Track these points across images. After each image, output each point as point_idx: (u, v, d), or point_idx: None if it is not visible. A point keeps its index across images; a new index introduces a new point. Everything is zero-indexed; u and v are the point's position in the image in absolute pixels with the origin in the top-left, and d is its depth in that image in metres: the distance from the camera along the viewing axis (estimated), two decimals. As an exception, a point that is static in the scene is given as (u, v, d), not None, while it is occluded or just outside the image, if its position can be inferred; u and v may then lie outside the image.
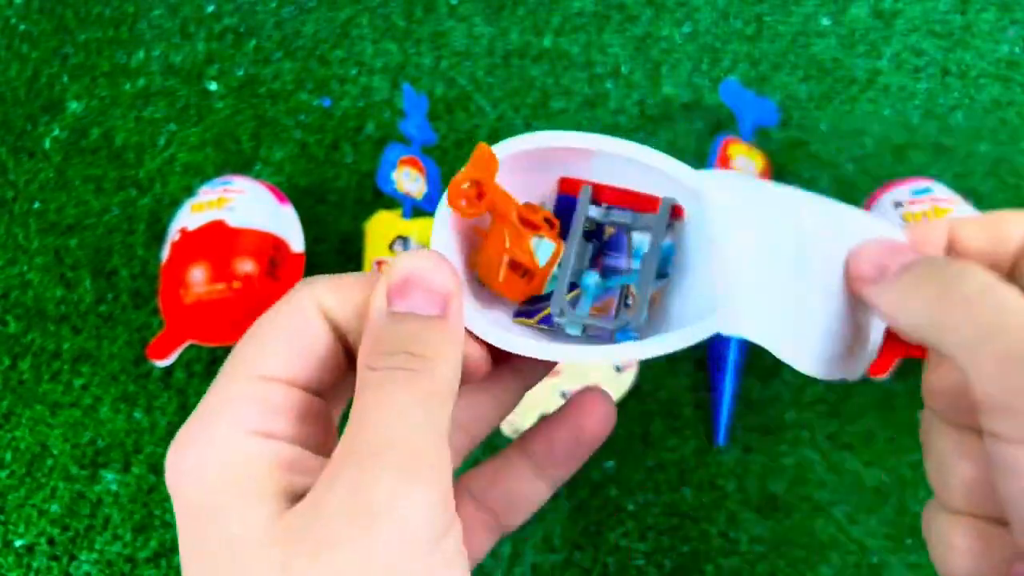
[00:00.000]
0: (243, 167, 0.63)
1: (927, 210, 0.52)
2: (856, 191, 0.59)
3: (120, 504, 0.53)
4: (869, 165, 0.60)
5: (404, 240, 0.55)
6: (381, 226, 0.56)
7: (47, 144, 0.65)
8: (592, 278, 0.29)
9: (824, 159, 0.61)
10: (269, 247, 0.54)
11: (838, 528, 0.50)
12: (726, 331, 0.23)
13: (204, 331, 0.53)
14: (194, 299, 0.52)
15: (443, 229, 0.27)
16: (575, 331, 0.28)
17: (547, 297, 0.29)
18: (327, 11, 0.69)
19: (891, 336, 0.51)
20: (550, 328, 0.28)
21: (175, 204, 0.62)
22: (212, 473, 0.20)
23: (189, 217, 0.54)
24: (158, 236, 0.61)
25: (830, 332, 0.24)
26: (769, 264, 0.24)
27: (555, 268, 0.29)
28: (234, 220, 0.53)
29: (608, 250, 0.30)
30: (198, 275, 0.52)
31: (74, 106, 0.67)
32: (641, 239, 0.29)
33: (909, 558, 0.49)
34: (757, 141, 0.61)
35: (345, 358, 0.23)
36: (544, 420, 0.27)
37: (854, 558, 0.50)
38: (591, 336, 0.28)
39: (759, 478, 0.52)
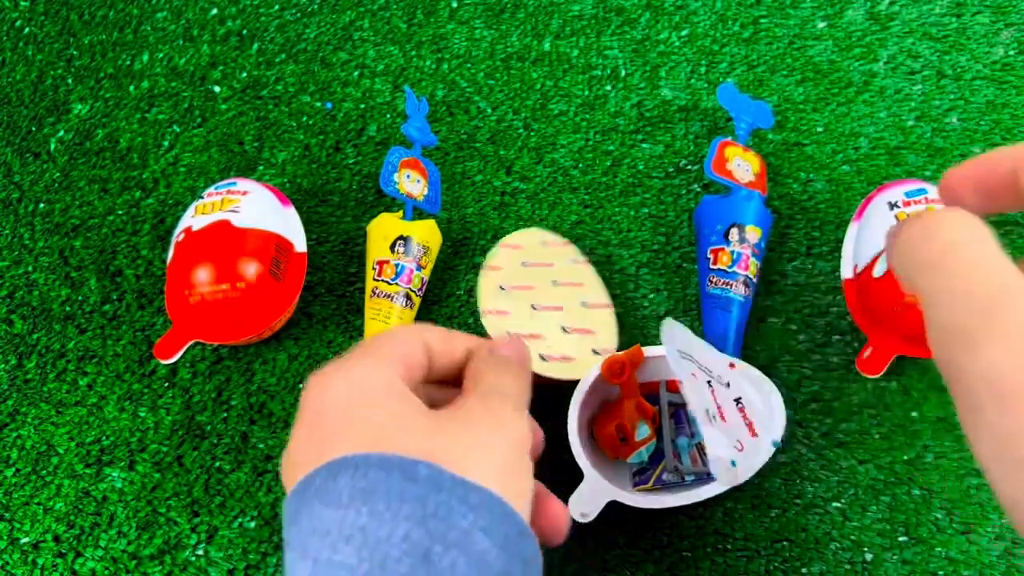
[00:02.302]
0: (246, 169, 0.64)
1: (921, 211, 0.53)
2: (851, 192, 0.60)
3: (125, 501, 0.54)
4: (864, 167, 0.61)
5: (405, 240, 0.56)
6: (383, 227, 0.57)
7: (52, 146, 0.66)
8: (683, 440, 0.51)
9: (820, 161, 0.61)
10: (272, 248, 0.54)
11: (832, 525, 0.51)
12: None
13: (209, 330, 0.54)
14: (199, 299, 0.53)
15: (584, 384, 0.50)
16: (690, 479, 0.49)
17: (645, 471, 0.50)
18: (329, 14, 0.70)
19: (883, 337, 0.51)
20: (662, 487, 0.49)
21: (179, 205, 0.62)
22: (363, 386, 0.30)
23: (194, 218, 0.55)
24: (162, 237, 0.62)
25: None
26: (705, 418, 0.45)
27: (647, 445, 0.50)
28: (238, 221, 0.54)
29: (677, 423, 0.52)
30: (203, 275, 0.52)
31: (79, 108, 0.67)
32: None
33: (903, 555, 0.50)
34: (753, 143, 0.62)
35: (427, 372, 0.35)
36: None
37: (848, 555, 0.50)
38: (690, 481, 0.50)
39: (755, 475, 0.52)
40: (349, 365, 0.31)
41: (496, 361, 0.34)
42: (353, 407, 0.30)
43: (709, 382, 0.46)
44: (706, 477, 0.49)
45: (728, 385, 0.47)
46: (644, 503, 0.47)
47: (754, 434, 0.46)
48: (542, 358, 0.50)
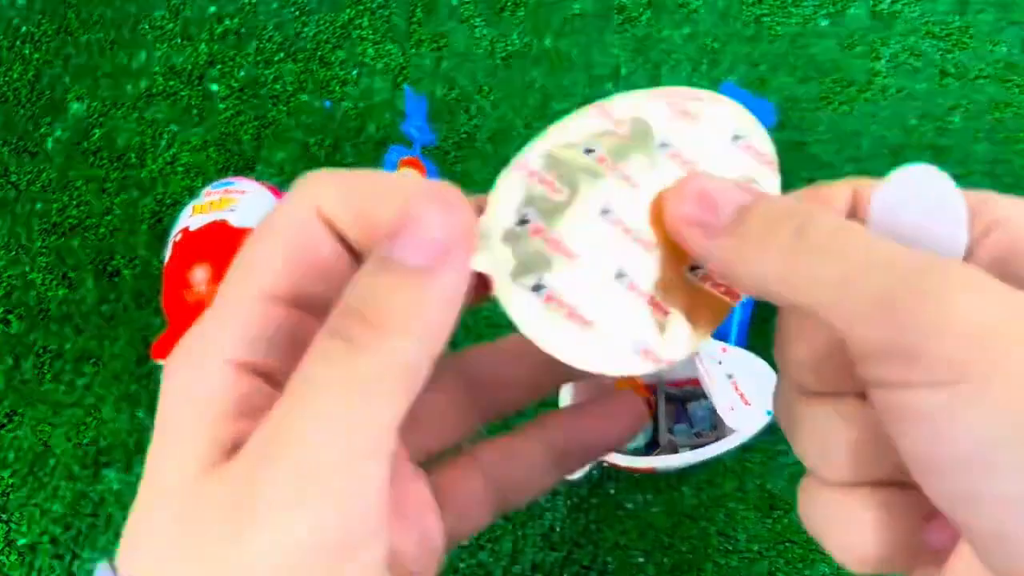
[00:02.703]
0: (245, 168, 0.63)
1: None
2: (854, 192, 0.60)
3: (122, 503, 0.54)
4: (867, 166, 0.60)
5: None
6: (382, 226, 0.57)
7: (49, 145, 0.66)
8: (682, 428, 0.55)
9: (822, 160, 0.61)
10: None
11: (836, 527, 0.51)
12: None
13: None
14: (197, 299, 0.52)
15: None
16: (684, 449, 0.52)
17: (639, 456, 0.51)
18: (328, 13, 0.70)
19: None
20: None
21: (177, 205, 0.62)
22: (178, 398, 0.18)
23: (191, 218, 0.55)
24: (160, 236, 0.61)
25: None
26: None
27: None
28: (236, 221, 0.54)
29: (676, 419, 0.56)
30: (200, 275, 0.52)
31: (76, 107, 0.67)
32: (693, 405, 0.54)
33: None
34: (756, 142, 0.62)
35: (352, 263, 0.20)
36: (571, 410, 0.26)
37: (852, 556, 0.50)
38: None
39: (758, 476, 0.52)
40: (185, 349, 0.19)
41: (350, 302, 0.17)
42: (157, 440, 0.19)
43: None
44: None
45: (720, 363, 0.50)
46: (636, 463, 0.48)
47: (747, 403, 0.49)
48: (542, 295, 0.22)
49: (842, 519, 0.20)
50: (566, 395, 0.49)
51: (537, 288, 0.19)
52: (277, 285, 0.19)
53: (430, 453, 0.24)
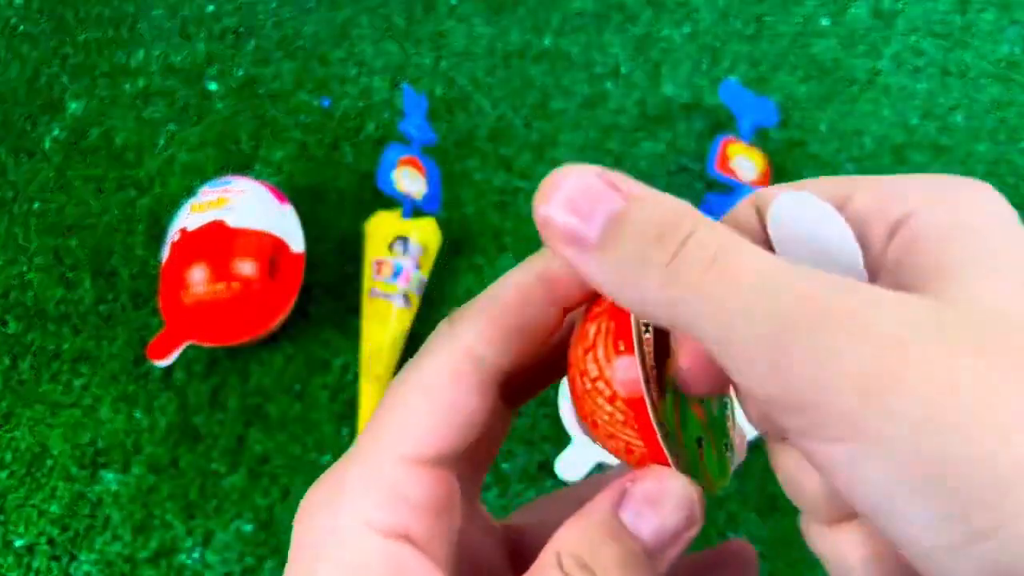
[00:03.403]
0: (243, 167, 0.63)
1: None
2: (856, 191, 0.59)
3: (120, 504, 0.53)
4: (868, 165, 0.60)
5: (404, 240, 0.55)
6: (381, 226, 0.56)
7: (47, 144, 0.65)
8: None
9: (824, 159, 0.61)
10: (269, 247, 0.54)
11: (838, 528, 0.50)
12: None
13: (204, 331, 0.53)
14: (194, 299, 0.52)
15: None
16: None
17: None
18: (327, 11, 0.69)
19: None
20: None
21: (175, 204, 0.62)
22: (324, 560, 0.18)
23: (189, 217, 0.54)
24: (158, 236, 0.61)
25: None
26: None
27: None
28: (234, 220, 0.53)
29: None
30: (198, 275, 0.52)
31: (74, 106, 0.67)
32: None
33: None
34: (757, 141, 0.61)
35: (497, 402, 0.20)
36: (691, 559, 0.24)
37: (854, 558, 0.50)
38: None
39: (759, 478, 0.52)
40: (323, 504, 0.19)
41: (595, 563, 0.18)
42: None
43: None
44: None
45: None
46: None
47: None
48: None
49: (834, 553, 0.19)
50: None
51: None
52: (424, 445, 0.19)
53: None
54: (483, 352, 0.19)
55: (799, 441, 0.15)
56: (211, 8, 0.70)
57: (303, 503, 0.19)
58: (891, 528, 0.15)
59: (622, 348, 0.18)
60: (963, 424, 0.14)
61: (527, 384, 0.22)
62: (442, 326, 0.19)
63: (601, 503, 0.18)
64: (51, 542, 0.53)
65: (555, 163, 0.61)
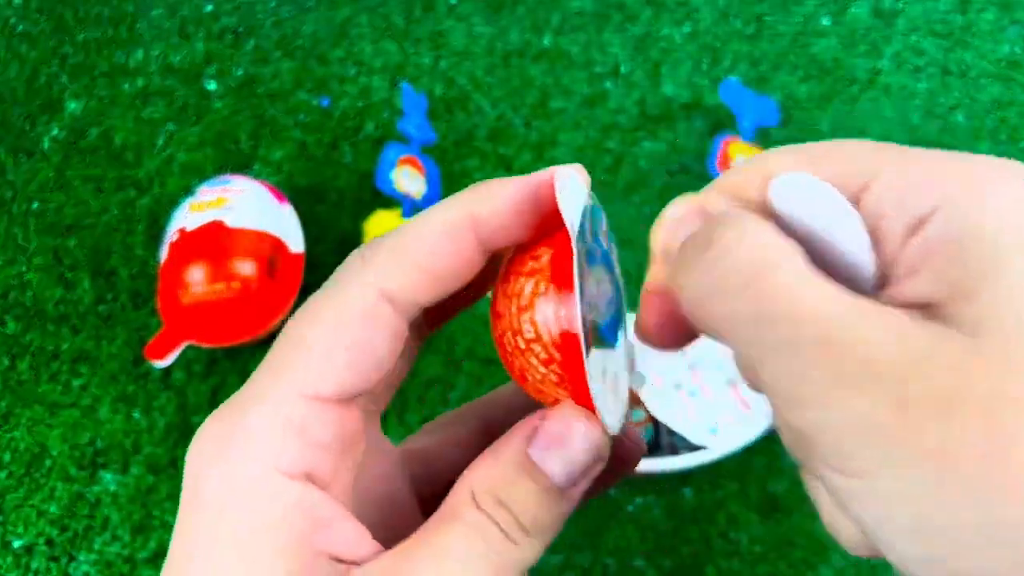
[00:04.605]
0: (242, 167, 0.63)
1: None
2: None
3: (119, 504, 0.53)
4: (869, 165, 0.60)
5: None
6: (380, 226, 0.56)
7: (46, 144, 0.65)
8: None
9: (824, 159, 0.61)
10: (268, 247, 0.53)
11: (838, 529, 0.50)
12: None
13: (203, 332, 0.53)
14: (192, 300, 0.52)
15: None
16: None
17: None
18: (326, 11, 0.69)
19: None
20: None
21: (174, 204, 0.62)
22: (232, 510, 0.17)
23: (188, 217, 0.54)
24: (157, 236, 0.61)
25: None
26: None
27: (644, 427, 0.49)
28: (233, 220, 0.53)
29: None
30: (197, 275, 0.52)
31: (73, 106, 0.67)
32: None
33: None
34: (757, 141, 0.61)
35: (406, 338, 0.19)
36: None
37: (854, 559, 0.50)
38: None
39: (760, 479, 0.52)
40: (222, 447, 0.18)
41: (506, 496, 0.18)
42: (211, 545, 0.17)
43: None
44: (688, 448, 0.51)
45: (720, 369, 0.50)
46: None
47: (747, 408, 0.49)
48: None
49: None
50: None
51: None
52: (331, 384, 0.18)
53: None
54: (397, 292, 0.18)
55: (812, 466, 0.16)
56: (210, 8, 0.70)
57: (195, 447, 0.18)
58: (891, 557, 0.15)
59: (563, 317, 0.18)
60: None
61: (439, 314, 0.22)
62: (354, 260, 0.19)
63: (513, 442, 0.18)
64: (50, 543, 0.53)
65: (555, 163, 0.61)
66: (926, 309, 0.15)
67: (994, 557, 0.13)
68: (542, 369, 0.19)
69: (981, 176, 0.16)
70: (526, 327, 0.18)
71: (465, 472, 0.18)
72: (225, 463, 0.18)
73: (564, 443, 0.18)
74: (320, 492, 0.18)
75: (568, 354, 0.18)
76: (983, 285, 0.15)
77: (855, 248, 0.16)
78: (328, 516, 0.18)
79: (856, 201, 0.17)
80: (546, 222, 0.20)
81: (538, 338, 0.18)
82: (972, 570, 0.14)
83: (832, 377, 0.15)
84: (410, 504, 0.22)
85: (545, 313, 0.18)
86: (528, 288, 0.18)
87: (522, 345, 0.19)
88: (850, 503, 0.15)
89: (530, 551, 0.18)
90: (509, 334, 0.19)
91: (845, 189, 0.17)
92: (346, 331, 0.18)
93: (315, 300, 0.19)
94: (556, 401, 0.19)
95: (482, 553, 0.17)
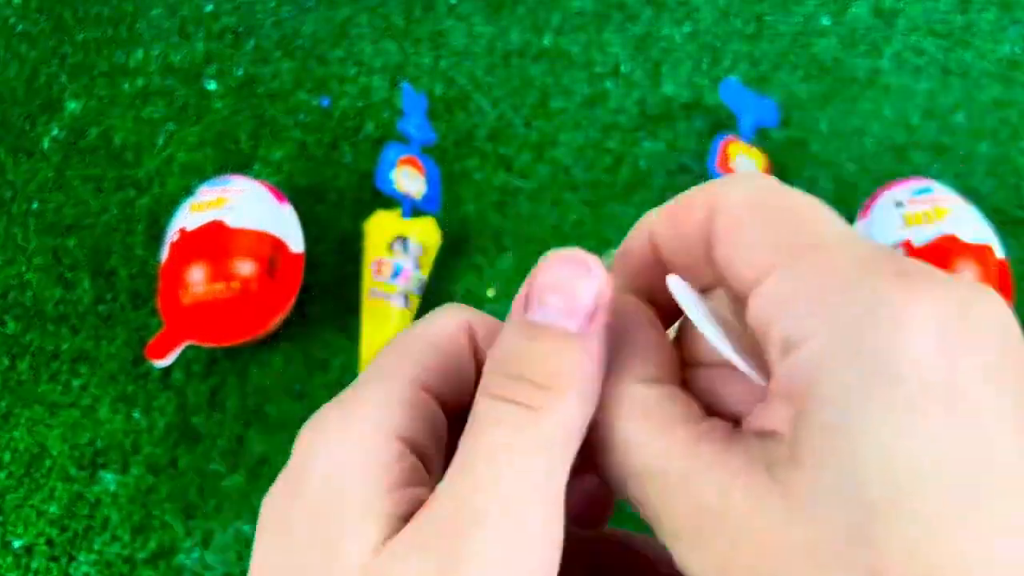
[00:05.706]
0: (242, 167, 0.63)
1: (928, 210, 0.52)
2: (856, 191, 0.59)
3: (119, 505, 0.53)
4: (869, 165, 0.60)
5: (403, 240, 0.55)
6: (380, 226, 0.56)
7: (45, 144, 0.65)
8: None
9: (824, 159, 0.61)
10: (268, 247, 0.53)
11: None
12: None
13: (203, 331, 0.53)
14: (193, 299, 0.52)
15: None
16: None
17: None
18: (326, 10, 0.69)
19: None
20: None
21: (174, 204, 0.62)
22: (348, 468, 0.18)
23: (188, 217, 0.54)
24: (157, 236, 0.61)
25: None
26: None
27: None
28: (233, 220, 0.53)
29: None
30: (197, 275, 0.52)
31: (73, 106, 0.66)
32: None
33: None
34: (757, 141, 0.61)
35: (476, 376, 0.20)
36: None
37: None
38: None
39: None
40: (339, 420, 0.19)
41: (515, 368, 0.18)
42: (319, 520, 0.18)
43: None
44: None
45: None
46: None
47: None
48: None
49: None
50: None
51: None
52: (428, 378, 0.19)
53: None
54: (474, 320, 0.20)
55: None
56: (210, 7, 0.70)
57: (311, 424, 0.19)
58: None
59: None
60: None
61: None
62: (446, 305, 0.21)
63: (510, 319, 0.18)
64: (50, 543, 0.53)
65: (555, 162, 0.61)
66: (774, 437, 0.15)
67: None
68: None
69: (873, 307, 0.14)
70: None
71: (483, 373, 0.18)
72: (340, 431, 0.19)
73: (555, 288, 0.18)
74: (412, 455, 0.18)
75: None
76: (814, 447, 0.14)
77: (728, 355, 0.16)
78: (415, 475, 0.18)
79: (745, 297, 0.17)
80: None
81: None
82: None
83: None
84: None
85: None
86: None
87: None
88: None
89: (562, 410, 0.17)
90: None
91: (739, 280, 0.17)
92: (436, 340, 0.20)
93: (411, 329, 0.21)
94: None
95: (504, 443, 0.16)
